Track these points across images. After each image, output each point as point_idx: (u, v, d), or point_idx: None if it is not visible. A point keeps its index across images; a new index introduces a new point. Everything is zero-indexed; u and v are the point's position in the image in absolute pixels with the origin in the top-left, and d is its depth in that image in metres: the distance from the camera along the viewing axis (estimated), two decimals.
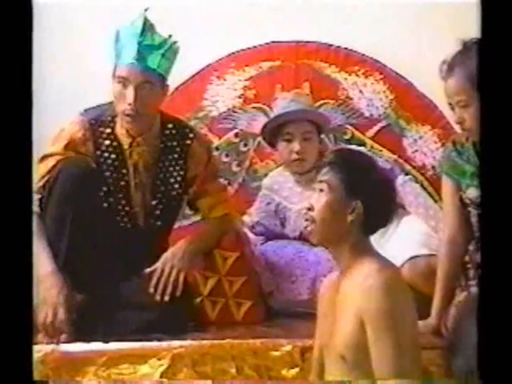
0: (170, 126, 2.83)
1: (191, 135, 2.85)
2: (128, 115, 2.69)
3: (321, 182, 2.12)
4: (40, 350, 2.48)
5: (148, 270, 2.72)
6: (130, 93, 2.67)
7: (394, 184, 2.21)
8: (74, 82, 3.40)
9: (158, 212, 2.83)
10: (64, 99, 3.32)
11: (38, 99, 1.98)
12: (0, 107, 1.88)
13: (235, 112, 3.53)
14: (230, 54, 3.53)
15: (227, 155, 3.52)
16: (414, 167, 3.49)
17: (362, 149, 3.16)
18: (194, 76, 3.50)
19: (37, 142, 2.06)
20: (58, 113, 3.06)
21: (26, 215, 1.94)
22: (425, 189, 3.33)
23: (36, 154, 2.66)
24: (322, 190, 2.11)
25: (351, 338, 2.02)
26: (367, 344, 1.99)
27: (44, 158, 2.77)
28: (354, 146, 3.25)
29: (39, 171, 2.74)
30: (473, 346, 1.79)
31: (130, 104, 2.67)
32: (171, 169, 2.82)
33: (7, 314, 1.83)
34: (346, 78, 3.54)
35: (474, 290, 2.54)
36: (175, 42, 2.75)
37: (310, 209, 2.13)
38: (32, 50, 1.93)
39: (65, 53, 3.44)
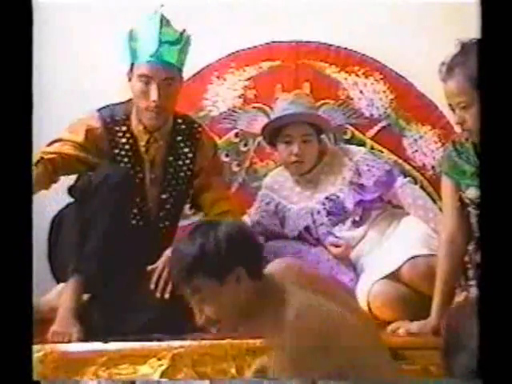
0: (179, 121, 2.90)
1: (200, 129, 2.95)
2: (152, 111, 2.73)
3: None
4: (40, 349, 2.48)
5: (149, 267, 2.73)
6: (153, 90, 2.71)
7: None
8: (74, 82, 3.40)
9: (168, 206, 2.87)
10: (64, 100, 3.32)
11: (38, 100, 1.98)
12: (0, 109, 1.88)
13: (235, 112, 3.53)
14: (229, 54, 3.53)
15: (227, 155, 3.51)
16: (413, 167, 3.49)
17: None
18: (194, 76, 3.50)
19: (36, 144, 2.06)
20: (58, 114, 3.06)
21: (26, 216, 1.94)
22: (424, 189, 3.33)
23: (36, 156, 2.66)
24: None
25: None
26: None
27: (56, 141, 2.76)
28: None
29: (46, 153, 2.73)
30: (473, 345, 1.78)
31: (154, 101, 2.71)
32: (180, 162, 2.88)
33: (7, 314, 1.83)
34: (346, 78, 3.54)
35: (474, 290, 2.54)
36: (188, 36, 2.80)
37: None
38: (32, 51, 1.93)
39: (65, 53, 3.44)
